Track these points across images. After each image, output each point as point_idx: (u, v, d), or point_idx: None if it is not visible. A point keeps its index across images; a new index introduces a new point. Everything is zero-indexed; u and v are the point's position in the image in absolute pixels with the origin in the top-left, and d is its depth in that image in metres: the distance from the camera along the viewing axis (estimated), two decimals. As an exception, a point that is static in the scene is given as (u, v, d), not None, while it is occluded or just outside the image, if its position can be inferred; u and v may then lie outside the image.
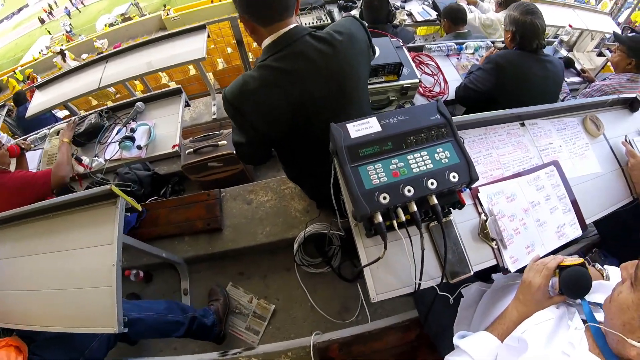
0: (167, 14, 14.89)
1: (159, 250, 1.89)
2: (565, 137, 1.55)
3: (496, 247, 1.25)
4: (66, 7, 22.14)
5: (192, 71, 5.71)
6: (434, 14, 3.28)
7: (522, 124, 1.47)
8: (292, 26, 1.16)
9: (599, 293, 0.92)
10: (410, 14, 3.30)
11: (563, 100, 2.40)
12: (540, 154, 1.45)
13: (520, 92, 1.86)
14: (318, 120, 1.24)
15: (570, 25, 3.21)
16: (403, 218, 0.98)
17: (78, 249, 1.41)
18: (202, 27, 3.10)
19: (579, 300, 0.93)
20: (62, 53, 9.88)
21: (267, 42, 1.18)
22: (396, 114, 1.02)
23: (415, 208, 0.98)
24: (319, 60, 1.15)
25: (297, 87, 1.17)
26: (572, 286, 0.92)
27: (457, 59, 2.44)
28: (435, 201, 0.99)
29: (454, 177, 0.99)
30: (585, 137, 1.62)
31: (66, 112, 4.24)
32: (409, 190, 0.96)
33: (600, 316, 0.86)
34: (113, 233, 1.37)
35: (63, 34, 18.40)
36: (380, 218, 0.96)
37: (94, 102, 5.78)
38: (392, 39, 2.04)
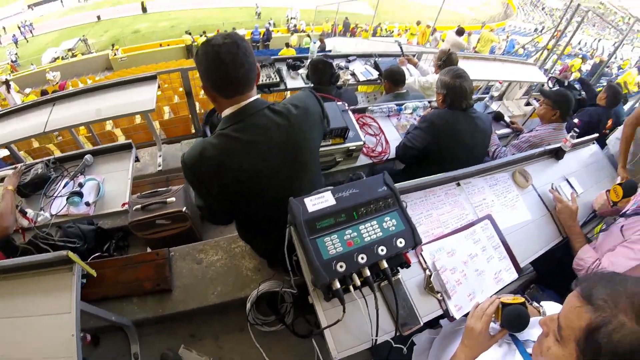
0: (115, 54, 14.66)
1: (108, 314, 1.80)
2: (497, 192, 1.75)
3: (441, 298, 1.37)
4: (14, 35, 20.91)
5: (138, 119, 5.60)
6: (375, 74, 3.53)
7: (458, 184, 1.65)
8: (252, 99, 1.25)
9: (536, 328, 1.04)
10: (353, 74, 3.53)
11: (494, 151, 2.65)
12: (475, 209, 1.62)
13: (452, 148, 2.05)
14: (273, 187, 1.32)
15: (499, 82, 3.63)
16: (358, 282, 1.07)
17: (33, 317, 1.32)
18: (152, 78, 3.10)
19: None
20: (7, 83, 9.31)
21: (227, 111, 1.25)
22: (348, 188, 1.13)
23: (368, 273, 1.07)
24: (275, 132, 1.24)
25: (254, 157, 1.23)
26: (513, 322, 1.05)
27: (397, 119, 2.64)
28: (386, 265, 1.09)
29: (400, 242, 1.09)
30: (515, 189, 1.83)
31: (6, 152, 3.98)
32: (362, 258, 1.05)
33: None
34: (70, 301, 1.30)
35: (8, 63, 17.29)
36: (338, 285, 1.04)
37: (36, 144, 5.46)
38: (338, 103, 2.20)
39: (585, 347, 0.76)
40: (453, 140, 2.02)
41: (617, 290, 0.77)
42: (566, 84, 4.25)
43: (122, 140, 4.64)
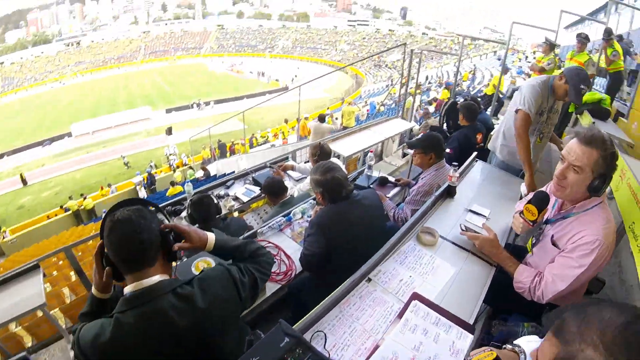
0: (3, 237, 13.30)
1: None
2: (410, 265, 1.69)
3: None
4: None
5: (39, 312, 4.77)
6: (257, 189, 3.52)
7: (369, 280, 1.55)
8: (156, 280, 1.16)
9: None
10: (236, 198, 3.47)
11: (394, 215, 2.68)
12: (397, 296, 1.52)
13: (349, 237, 1.96)
14: None
15: (371, 151, 3.89)
16: None
17: None
18: (34, 267, 2.81)
19: None
20: None
21: (127, 290, 1.16)
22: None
23: None
24: (178, 319, 1.12)
25: (153, 348, 1.11)
26: None
27: (290, 229, 2.51)
28: None
29: (330, 395, 0.92)
30: (426, 251, 1.79)
31: None
32: None
33: None
34: None
35: None
36: None
37: None
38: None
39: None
40: (346, 230, 1.96)
41: (587, 323, 0.71)
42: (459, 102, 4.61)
43: (28, 340, 4.10)
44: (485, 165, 2.78)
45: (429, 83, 23.27)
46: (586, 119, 3.94)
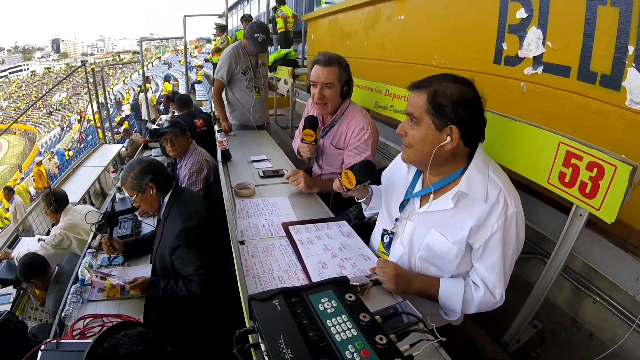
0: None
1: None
2: (256, 213, 1.63)
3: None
4: None
5: None
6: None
7: (242, 242, 1.38)
8: None
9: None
10: None
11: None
12: (275, 237, 1.44)
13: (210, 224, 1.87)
14: None
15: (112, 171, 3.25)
16: None
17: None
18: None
19: None
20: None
21: None
22: None
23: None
24: None
25: None
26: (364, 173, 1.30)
27: (97, 289, 1.86)
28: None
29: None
30: (255, 199, 1.76)
31: None
32: None
33: None
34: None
35: None
36: None
37: None
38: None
39: (433, 107, 1.01)
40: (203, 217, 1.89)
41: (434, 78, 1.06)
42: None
43: None
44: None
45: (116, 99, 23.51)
46: (282, 72, 4.50)
